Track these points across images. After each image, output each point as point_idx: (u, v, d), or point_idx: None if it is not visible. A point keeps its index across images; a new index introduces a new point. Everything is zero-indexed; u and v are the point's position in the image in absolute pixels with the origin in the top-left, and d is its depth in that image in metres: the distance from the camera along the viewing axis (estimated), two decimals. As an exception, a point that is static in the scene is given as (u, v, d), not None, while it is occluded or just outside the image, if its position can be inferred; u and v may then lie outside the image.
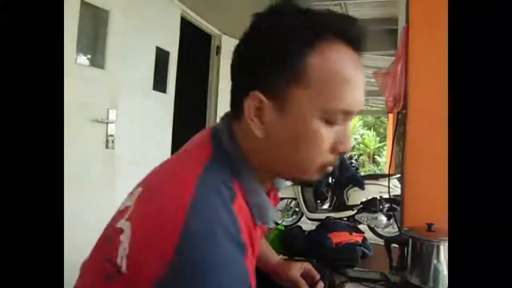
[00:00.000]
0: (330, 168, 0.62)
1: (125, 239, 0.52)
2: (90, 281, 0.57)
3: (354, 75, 0.56)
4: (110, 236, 0.56)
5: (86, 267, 0.61)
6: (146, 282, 0.47)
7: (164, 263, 0.46)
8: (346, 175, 4.07)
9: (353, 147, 17.52)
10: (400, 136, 1.65)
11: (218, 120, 3.10)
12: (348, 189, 4.00)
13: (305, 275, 0.91)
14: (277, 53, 0.55)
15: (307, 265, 0.92)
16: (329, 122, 0.56)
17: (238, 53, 0.61)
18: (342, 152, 0.59)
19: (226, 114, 0.67)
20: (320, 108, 0.55)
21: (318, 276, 0.90)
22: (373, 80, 1.79)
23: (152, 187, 0.58)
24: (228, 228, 0.51)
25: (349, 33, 0.57)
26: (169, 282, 0.46)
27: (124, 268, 0.50)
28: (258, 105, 0.57)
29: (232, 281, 0.47)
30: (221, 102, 3.59)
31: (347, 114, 0.57)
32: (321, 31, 0.55)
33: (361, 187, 3.92)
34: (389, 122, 9.43)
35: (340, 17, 0.58)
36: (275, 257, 0.96)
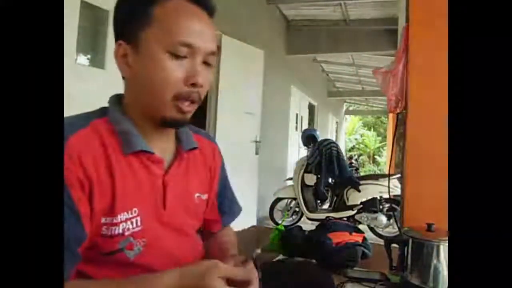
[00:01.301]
0: (189, 107, 0.72)
1: None
2: None
3: (187, 17, 0.70)
4: None
5: None
6: None
7: None
8: (345, 176, 4.06)
9: (353, 147, 17.55)
10: (400, 136, 1.65)
11: (218, 119, 3.09)
12: (348, 189, 3.99)
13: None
14: (131, 9, 0.71)
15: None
16: (175, 55, 0.69)
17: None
18: (193, 84, 0.70)
19: None
20: (164, 43, 0.68)
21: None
22: (374, 80, 1.79)
23: None
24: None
25: None
26: None
27: None
28: (123, 52, 0.72)
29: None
30: (222, 102, 3.60)
31: (189, 47, 0.69)
32: None
33: (357, 189, 3.92)
34: (389, 122, 9.43)
35: None
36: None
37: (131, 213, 0.70)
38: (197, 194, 0.83)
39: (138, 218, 0.70)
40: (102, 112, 0.74)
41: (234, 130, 3.71)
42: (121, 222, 0.68)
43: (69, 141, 0.64)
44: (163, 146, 0.77)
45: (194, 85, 0.70)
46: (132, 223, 0.70)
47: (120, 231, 0.68)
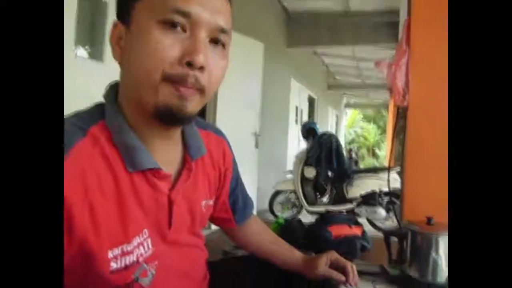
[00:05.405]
0: (187, 91, 0.57)
1: None
2: None
3: None
4: None
5: None
6: None
7: None
8: (343, 170, 4.07)
9: (353, 140, 17.56)
10: (400, 129, 1.65)
11: (217, 112, 3.06)
12: (347, 183, 4.01)
13: (335, 267, 0.87)
14: None
15: (331, 255, 0.89)
16: (168, 25, 0.55)
17: None
18: (188, 63, 0.55)
19: None
20: (155, 10, 0.55)
21: (348, 264, 0.86)
22: (374, 73, 1.79)
23: None
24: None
25: None
26: None
27: None
28: (119, 34, 0.61)
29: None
30: (221, 95, 3.58)
31: (187, 17, 0.56)
32: None
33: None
34: (389, 115, 9.42)
35: None
36: (295, 255, 0.93)
37: (143, 236, 0.61)
38: (204, 202, 0.75)
39: (149, 240, 0.63)
40: (98, 113, 0.61)
41: (234, 123, 3.70)
42: (135, 248, 0.60)
43: (70, 153, 0.54)
44: (169, 156, 0.67)
45: (190, 65, 0.55)
46: (144, 247, 0.62)
47: (135, 258, 0.60)
